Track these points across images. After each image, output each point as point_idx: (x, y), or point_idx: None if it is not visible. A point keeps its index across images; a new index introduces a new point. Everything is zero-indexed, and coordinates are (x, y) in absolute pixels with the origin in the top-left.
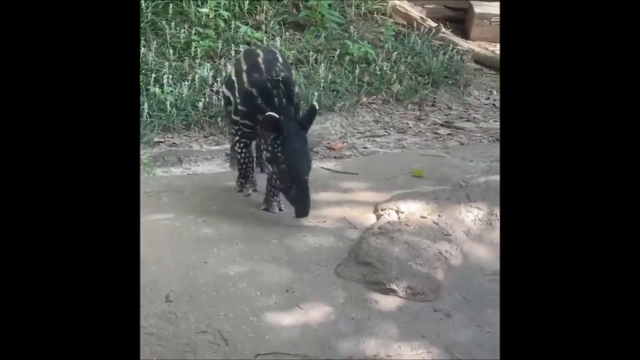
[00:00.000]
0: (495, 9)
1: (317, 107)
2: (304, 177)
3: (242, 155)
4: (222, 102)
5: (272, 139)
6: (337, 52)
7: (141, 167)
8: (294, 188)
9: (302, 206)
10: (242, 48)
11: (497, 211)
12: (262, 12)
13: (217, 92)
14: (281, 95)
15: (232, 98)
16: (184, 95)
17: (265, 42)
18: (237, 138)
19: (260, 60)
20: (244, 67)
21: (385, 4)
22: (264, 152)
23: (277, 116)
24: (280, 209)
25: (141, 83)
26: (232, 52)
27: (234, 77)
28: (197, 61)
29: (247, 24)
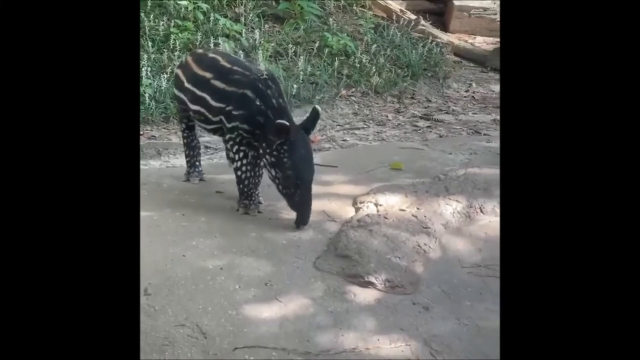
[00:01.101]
0: (474, 1)
1: (320, 111)
2: (309, 182)
3: (244, 169)
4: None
5: (278, 143)
6: (317, 45)
7: None
8: (298, 194)
9: (305, 213)
10: (220, 40)
11: (476, 204)
12: (241, 5)
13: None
14: (275, 95)
15: (190, 103)
16: (162, 87)
17: (244, 34)
18: (235, 148)
19: (226, 62)
20: (210, 71)
21: None
22: (267, 157)
23: (288, 123)
24: (259, 211)
25: None
26: (212, 45)
27: (190, 84)
28: (176, 54)
29: (226, 17)
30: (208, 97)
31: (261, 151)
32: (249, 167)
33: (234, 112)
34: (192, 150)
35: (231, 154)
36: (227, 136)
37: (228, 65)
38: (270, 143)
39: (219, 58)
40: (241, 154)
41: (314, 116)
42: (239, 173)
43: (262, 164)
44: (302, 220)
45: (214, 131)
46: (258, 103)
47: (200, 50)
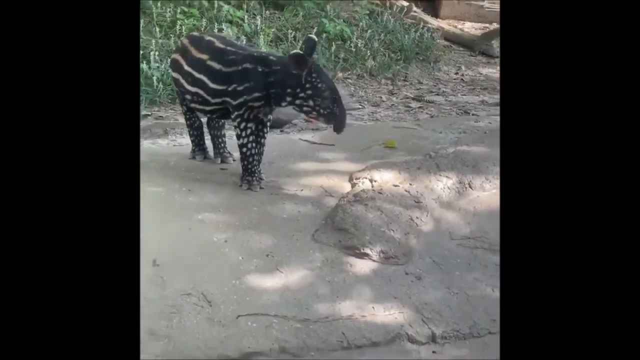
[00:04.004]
0: None
1: (315, 39)
2: (339, 94)
3: (250, 146)
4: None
5: (306, 75)
6: (315, 30)
7: None
8: (337, 107)
9: (345, 119)
10: (224, 26)
11: (465, 180)
12: None
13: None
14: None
15: (187, 85)
16: (169, 70)
17: (246, 20)
18: (243, 124)
19: (221, 43)
20: (206, 53)
21: None
22: (301, 95)
23: (301, 52)
24: (260, 187)
25: None
26: (215, 30)
27: (189, 67)
28: (182, 39)
29: (229, 3)
30: (206, 79)
31: (289, 99)
32: (254, 145)
33: (239, 88)
34: (195, 130)
35: (238, 131)
36: (235, 114)
37: (222, 46)
38: (299, 81)
39: (214, 40)
40: (248, 131)
41: (311, 44)
42: (244, 150)
43: (297, 107)
44: (342, 126)
45: (212, 112)
46: (260, 69)
47: (196, 33)
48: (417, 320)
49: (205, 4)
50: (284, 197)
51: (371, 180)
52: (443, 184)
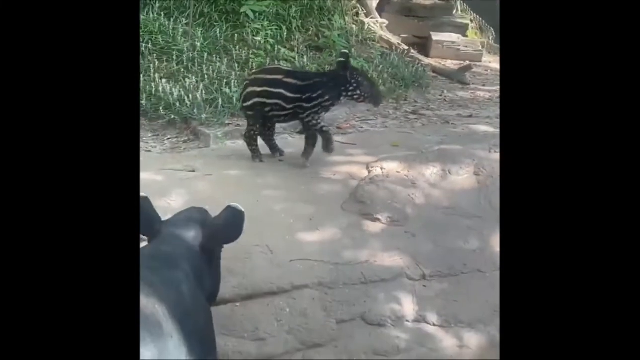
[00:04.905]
0: (446, 37)
1: (348, 53)
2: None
3: (324, 124)
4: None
5: (349, 75)
6: None
7: (216, 140)
8: (374, 89)
9: (381, 97)
10: (282, 63)
11: (446, 168)
12: (295, 39)
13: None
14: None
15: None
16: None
17: (297, 59)
18: (317, 117)
19: (284, 67)
20: (278, 74)
21: (374, 34)
22: (350, 89)
23: (342, 59)
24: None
25: (216, 86)
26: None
27: (266, 87)
28: (253, 72)
29: (285, 47)
30: (283, 91)
31: (344, 94)
32: (324, 125)
33: (313, 95)
34: (270, 140)
35: (313, 122)
36: (307, 113)
37: (286, 69)
38: (346, 80)
39: (278, 66)
40: (320, 118)
41: (345, 54)
42: (324, 129)
43: (350, 97)
44: (380, 101)
45: (285, 116)
46: (323, 79)
47: (258, 69)
48: (413, 264)
49: (269, 47)
50: (321, 180)
51: (381, 168)
52: (431, 171)
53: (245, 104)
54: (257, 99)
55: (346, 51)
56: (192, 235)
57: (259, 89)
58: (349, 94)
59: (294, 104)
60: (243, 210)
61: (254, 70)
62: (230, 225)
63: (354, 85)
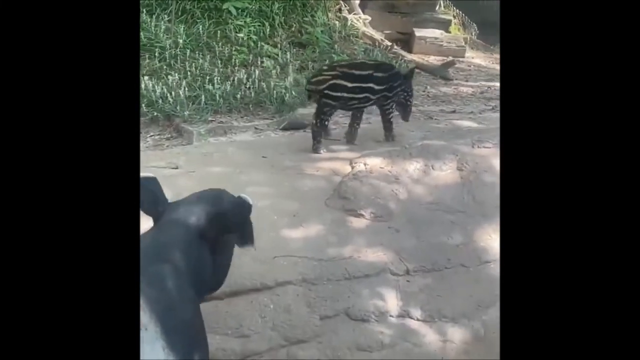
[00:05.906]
0: (429, 33)
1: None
2: None
3: (392, 115)
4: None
5: (405, 82)
6: (326, 62)
7: (199, 137)
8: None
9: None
10: (265, 59)
11: (429, 163)
12: (278, 36)
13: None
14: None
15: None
16: (227, 90)
17: (279, 56)
18: (392, 104)
19: (370, 61)
20: (369, 69)
21: (357, 30)
22: (408, 92)
23: (414, 69)
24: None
25: (199, 83)
26: (259, 62)
27: (357, 83)
28: (236, 68)
29: (268, 44)
30: (373, 85)
31: (403, 94)
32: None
33: (394, 84)
34: (325, 133)
35: (389, 110)
36: (388, 101)
37: (372, 63)
38: (409, 84)
39: (363, 61)
40: (393, 107)
41: (413, 68)
42: (391, 118)
43: (403, 98)
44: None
45: (364, 105)
46: (400, 74)
47: (344, 62)
48: (396, 259)
49: (252, 44)
50: (305, 176)
51: (364, 164)
52: (414, 167)
53: (330, 93)
54: (346, 94)
55: (415, 66)
56: (193, 221)
57: (349, 85)
58: (403, 96)
59: (380, 94)
60: (251, 202)
61: (340, 63)
62: (235, 215)
63: (410, 94)
